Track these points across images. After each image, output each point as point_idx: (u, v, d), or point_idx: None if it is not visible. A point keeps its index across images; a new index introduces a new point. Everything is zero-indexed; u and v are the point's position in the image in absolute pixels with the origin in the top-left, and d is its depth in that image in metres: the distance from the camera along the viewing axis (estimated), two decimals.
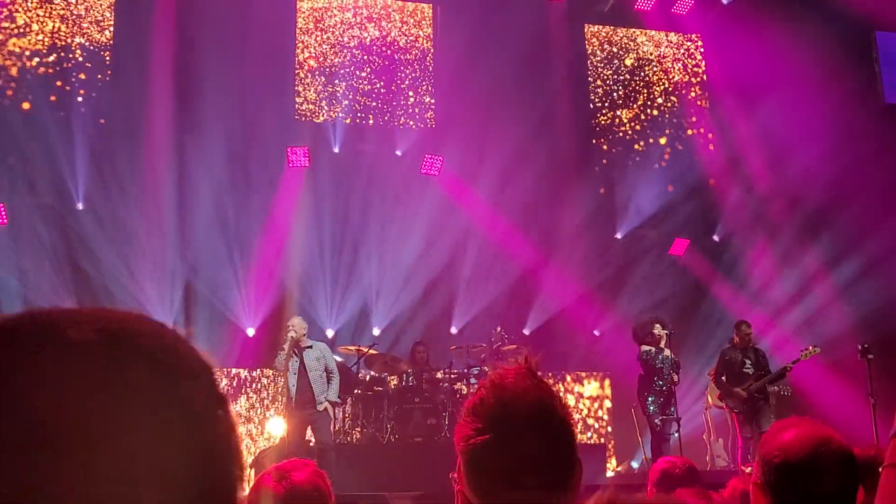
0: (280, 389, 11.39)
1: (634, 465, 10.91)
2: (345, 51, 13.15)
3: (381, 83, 13.20)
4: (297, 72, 12.87)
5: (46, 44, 11.89)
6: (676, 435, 9.39)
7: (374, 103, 13.12)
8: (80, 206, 11.34)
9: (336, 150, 12.55)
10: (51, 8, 12.05)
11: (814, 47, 12.66)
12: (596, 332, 12.86)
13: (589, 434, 12.67)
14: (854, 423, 9.00)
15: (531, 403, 1.42)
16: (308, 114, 12.80)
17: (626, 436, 11.63)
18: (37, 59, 11.81)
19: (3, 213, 10.82)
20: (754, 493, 2.01)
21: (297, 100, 12.78)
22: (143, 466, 0.59)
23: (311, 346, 9.16)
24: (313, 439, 9.20)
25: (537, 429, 1.41)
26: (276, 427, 9.67)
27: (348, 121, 12.83)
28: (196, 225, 11.58)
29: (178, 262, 11.38)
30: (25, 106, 11.56)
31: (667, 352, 9.38)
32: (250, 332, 11.68)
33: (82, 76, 11.95)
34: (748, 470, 2.03)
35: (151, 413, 0.60)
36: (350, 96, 12.99)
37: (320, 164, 12.15)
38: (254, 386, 11.85)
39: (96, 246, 11.15)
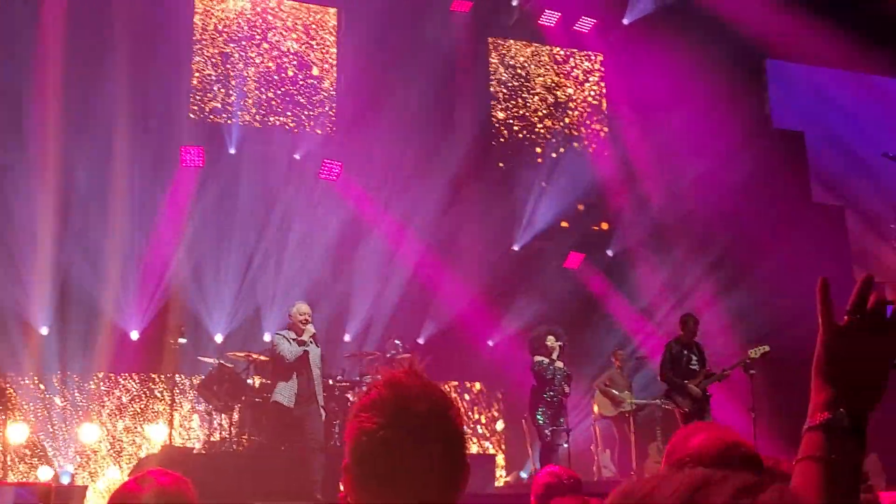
0: (162, 401, 11.04)
1: (523, 475, 10.96)
2: (245, 51, 12.89)
3: (282, 86, 13.00)
4: (193, 70, 12.55)
5: None
6: (566, 446, 9.46)
7: (273, 106, 12.90)
8: None
9: (232, 151, 12.28)
10: None
11: (709, 71, 13.05)
12: (490, 343, 12.90)
13: (479, 444, 12.68)
14: None
15: (430, 403, 1.41)
16: (204, 113, 12.49)
17: (517, 446, 11.68)
18: None
19: None
20: None
21: (193, 98, 12.46)
22: None
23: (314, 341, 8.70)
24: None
25: (435, 428, 1.40)
26: (158, 434, 9.35)
27: (245, 122, 12.58)
28: (82, 222, 11.13)
29: (58, 259, 10.90)
30: None
31: (559, 363, 9.44)
32: (134, 335, 11.28)
33: None
34: None
35: None
36: (249, 98, 12.74)
37: (215, 165, 11.86)
38: (138, 392, 11.45)
39: None
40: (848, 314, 1.22)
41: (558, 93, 14.53)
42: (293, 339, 8.47)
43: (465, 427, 1.48)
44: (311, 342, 8.51)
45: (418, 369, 1.47)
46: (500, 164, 13.95)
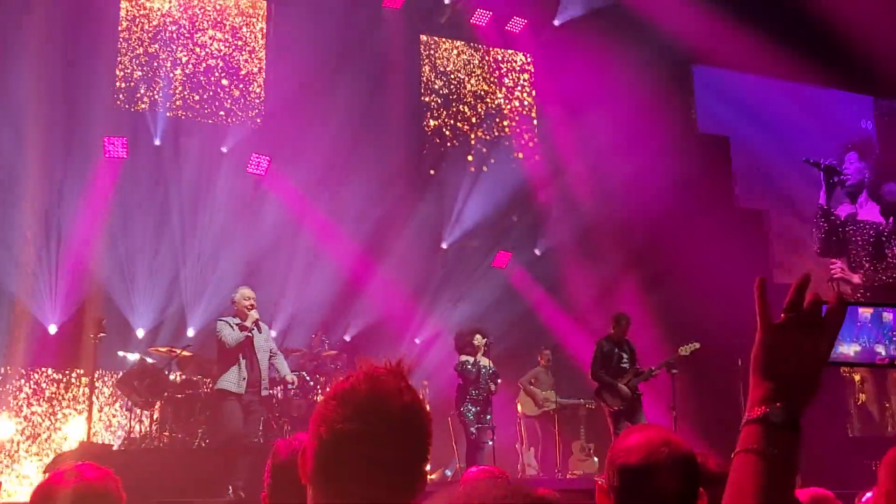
0: (81, 396, 10.78)
1: (448, 472, 10.98)
2: (173, 41, 12.64)
3: (210, 78, 12.78)
4: (119, 59, 12.26)
5: None
6: (491, 443, 9.51)
7: (200, 98, 12.68)
8: None
9: (157, 142, 12.03)
10: None
11: (637, 74, 13.26)
12: (417, 340, 12.90)
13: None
14: None
15: (404, 403, 1.42)
16: (129, 103, 12.21)
17: (442, 443, 11.69)
18: None
19: None
20: (599, 497, 2.06)
21: (118, 88, 12.17)
22: None
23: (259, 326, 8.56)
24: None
25: (406, 428, 1.41)
26: (76, 430, 9.13)
27: (172, 114, 12.33)
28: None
29: None
30: None
31: (485, 361, 9.49)
32: (52, 329, 10.98)
33: None
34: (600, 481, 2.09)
35: None
36: (176, 89, 12.50)
37: (140, 156, 11.61)
38: (55, 387, 11.15)
39: None
40: (784, 312, 1.25)
41: (488, 92, 14.58)
42: (236, 325, 8.37)
43: (431, 429, 1.48)
44: (254, 328, 8.42)
45: (403, 368, 1.48)
46: (434, 160, 13.94)
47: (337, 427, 1.38)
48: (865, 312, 1.31)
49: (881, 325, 1.31)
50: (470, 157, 14.06)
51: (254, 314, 8.44)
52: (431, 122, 14.11)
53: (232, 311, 8.64)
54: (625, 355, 9.48)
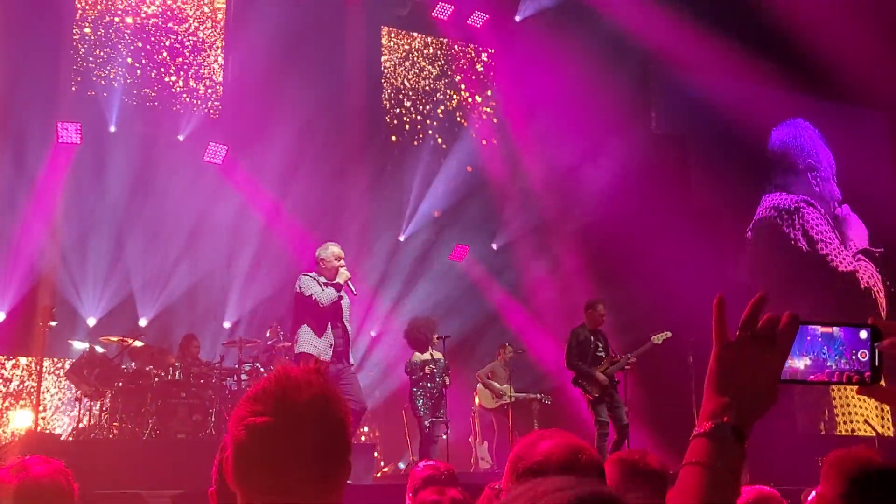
0: (28, 385, 10.60)
1: (401, 465, 10.99)
2: (130, 27, 12.45)
3: (169, 66, 12.61)
4: (74, 43, 12.05)
5: None
6: (445, 437, 9.52)
7: (158, 85, 12.51)
8: None
9: (112, 129, 11.85)
10: None
11: (596, 72, 13.32)
12: (372, 333, 12.87)
13: (357, 434, 12.64)
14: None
15: (313, 395, 1.44)
16: (84, 89, 12.00)
17: (396, 437, 11.70)
18: None
19: None
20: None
21: (73, 72, 11.96)
22: None
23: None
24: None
25: (317, 419, 1.43)
26: (23, 420, 8.97)
27: (128, 100, 12.16)
28: None
29: None
30: None
31: (438, 355, 9.48)
32: (0, 315, 10.78)
33: None
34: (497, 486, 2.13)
35: None
36: (132, 75, 12.32)
37: (94, 142, 11.43)
38: (1, 376, 10.95)
39: None
40: (739, 330, 1.29)
41: (448, 85, 14.58)
42: (324, 284, 7.43)
43: (349, 424, 1.50)
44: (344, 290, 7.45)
45: (320, 368, 1.50)
46: (392, 153, 13.91)
47: (249, 423, 1.41)
48: (816, 328, 1.35)
49: (831, 340, 1.35)
50: (428, 150, 14.04)
51: (345, 273, 7.46)
52: (390, 114, 14.07)
53: (316, 270, 7.61)
54: (600, 344, 9.42)
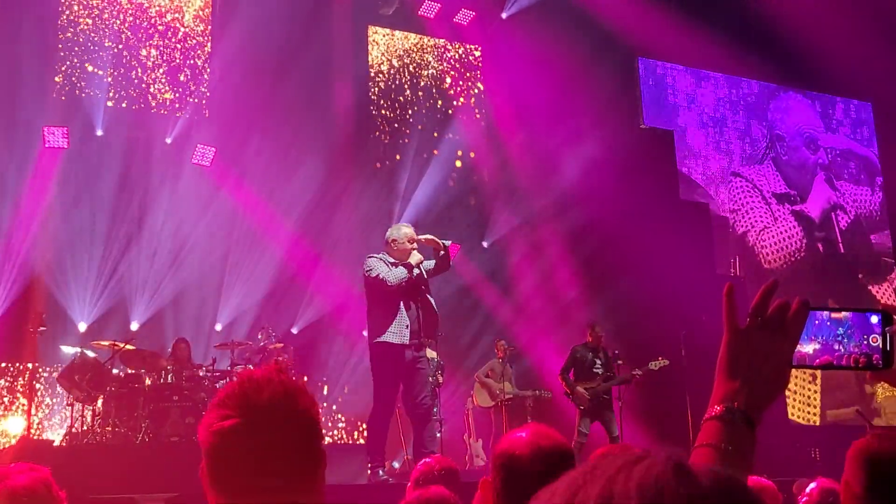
0: (19, 389, 10.56)
1: (396, 464, 10.98)
2: (116, 30, 12.41)
3: (157, 69, 12.58)
4: (61, 47, 12.00)
5: None
6: (439, 435, 9.51)
7: (144, 88, 12.47)
8: None
9: (100, 132, 11.82)
10: None
11: (584, 67, 13.34)
12: (364, 333, 12.83)
13: (350, 435, 12.63)
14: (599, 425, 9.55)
15: (276, 392, 1.44)
16: (71, 92, 11.96)
17: (390, 436, 11.67)
18: None
19: None
20: (483, 490, 2.16)
21: (59, 77, 11.92)
22: None
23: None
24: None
25: (282, 417, 1.42)
26: (15, 426, 8.93)
27: (114, 104, 12.12)
28: None
29: None
30: None
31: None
32: None
33: None
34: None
35: None
36: (118, 79, 12.27)
37: (82, 146, 11.39)
38: None
39: None
40: (749, 317, 1.30)
41: (436, 83, 14.57)
42: (391, 264, 7.05)
43: (318, 417, 1.50)
44: (417, 269, 7.08)
45: (281, 365, 1.52)
46: (381, 152, 13.89)
47: (216, 427, 1.42)
48: (824, 312, 1.36)
49: (839, 323, 1.37)
50: (416, 149, 14.03)
51: (417, 255, 7.10)
52: (378, 113, 14.05)
53: (386, 251, 7.23)
54: (598, 361, 9.79)
